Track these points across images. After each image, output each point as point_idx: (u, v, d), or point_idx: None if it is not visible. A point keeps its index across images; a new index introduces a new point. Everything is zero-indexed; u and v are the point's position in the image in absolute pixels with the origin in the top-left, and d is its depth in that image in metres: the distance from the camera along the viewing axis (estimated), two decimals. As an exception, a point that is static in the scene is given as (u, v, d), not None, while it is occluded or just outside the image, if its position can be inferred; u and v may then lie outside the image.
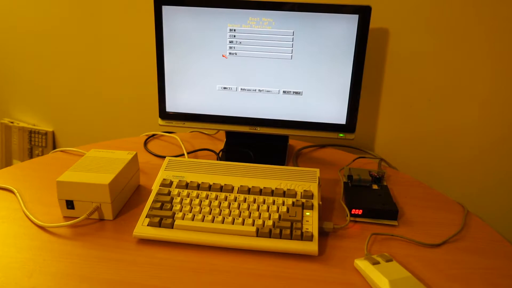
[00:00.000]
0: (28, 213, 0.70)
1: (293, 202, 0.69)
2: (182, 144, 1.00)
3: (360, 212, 0.72)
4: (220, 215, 0.67)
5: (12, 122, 1.45)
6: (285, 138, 0.98)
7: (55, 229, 0.67)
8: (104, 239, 0.65)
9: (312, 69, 0.85)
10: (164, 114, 0.92)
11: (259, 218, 0.67)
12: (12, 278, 0.57)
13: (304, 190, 0.71)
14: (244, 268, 0.61)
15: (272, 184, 0.73)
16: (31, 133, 1.42)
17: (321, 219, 0.73)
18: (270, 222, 0.66)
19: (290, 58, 0.85)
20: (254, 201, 0.70)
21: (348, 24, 0.81)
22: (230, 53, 0.86)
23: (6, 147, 1.49)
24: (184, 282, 0.58)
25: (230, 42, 0.85)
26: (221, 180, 0.74)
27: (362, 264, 0.60)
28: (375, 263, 0.59)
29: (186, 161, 0.78)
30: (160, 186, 0.73)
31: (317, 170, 0.76)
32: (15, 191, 0.77)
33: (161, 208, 0.69)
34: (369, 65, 1.00)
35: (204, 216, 0.67)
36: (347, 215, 0.73)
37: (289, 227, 0.65)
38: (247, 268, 0.61)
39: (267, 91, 0.88)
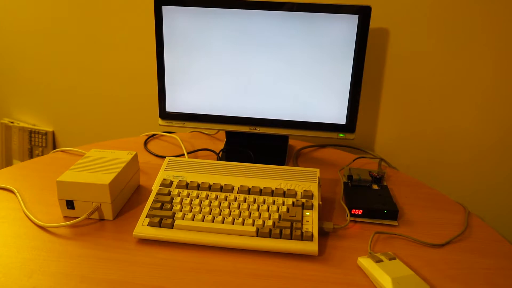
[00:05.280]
0: (28, 213, 0.70)
1: (293, 202, 0.69)
2: (182, 144, 1.00)
3: (360, 212, 0.72)
4: (220, 215, 0.67)
5: (12, 122, 1.45)
6: (285, 138, 0.98)
7: (55, 229, 0.67)
8: (104, 239, 0.65)
9: (312, 69, 0.85)
10: (164, 114, 0.92)
11: (259, 218, 0.67)
12: (12, 278, 0.57)
13: (304, 190, 0.71)
14: (244, 268, 0.61)
15: (272, 184, 0.73)
16: (31, 133, 1.42)
17: (321, 219, 0.73)
18: (270, 222, 0.66)
19: (290, 58, 0.85)
20: (254, 201, 0.70)
21: (348, 24, 0.81)
22: (230, 53, 0.86)
23: (6, 147, 1.49)
24: (184, 282, 0.57)
25: (230, 42, 0.85)
26: (221, 180, 0.74)
27: (365, 262, 0.60)
28: (378, 261, 0.60)
29: (186, 161, 0.78)
30: (160, 186, 0.73)
31: (317, 170, 0.76)
32: (15, 191, 0.77)
33: (161, 208, 0.69)
34: (369, 65, 1.00)
35: (204, 216, 0.67)
36: (347, 215, 0.73)
37: (289, 227, 0.65)
38: (247, 268, 0.61)
39: (267, 91, 0.88)
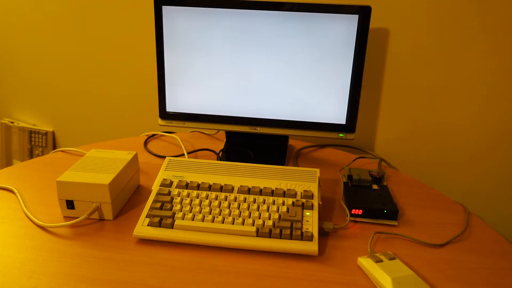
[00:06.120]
0: (28, 213, 0.70)
1: (293, 202, 0.69)
2: (182, 144, 1.00)
3: (360, 212, 0.72)
4: (220, 215, 0.67)
5: (12, 122, 1.45)
6: (285, 138, 0.98)
7: (55, 229, 0.67)
8: (104, 239, 0.65)
9: (312, 69, 0.85)
10: (164, 114, 0.92)
11: (259, 218, 0.67)
12: (12, 278, 0.57)
13: (304, 190, 0.71)
14: (244, 268, 0.61)
15: (272, 184, 0.73)
16: (31, 133, 1.42)
17: (321, 219, 0.73)
18: (270, 222, 0.66)
19: (290, 58, 0.85)
20: (254, 201, 0.70)
21: (348, 24, 0.81)
22: (230, 53, 0.86)
23: (6, 147, 1.49)
24: (184, 282, 0.57)
25: (230, 42, 0.85)
26: (221, 180, 0.74)
27: (365, 262, 0.60)
28: (378, 261, 0.60)
29: (186, 161, 0.78)
30: (160, 186, 0.73)
31: (317, 170, 0.76)
32: (15, 191, 0.77)
33: (161, 208, 0.69)
34: (369, 65, 1.00)
35: (204, 216, 0.67)
36: (347, 215, 0.73)
37: (289, 227, 0.65)
38: (247, 268, 0.61)
39: (267, 91, 0.88)
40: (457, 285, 0.59)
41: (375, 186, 0.79)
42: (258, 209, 0.68)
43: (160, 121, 0.93)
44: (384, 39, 0.97)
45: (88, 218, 0.70)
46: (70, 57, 1.27)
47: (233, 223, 0.66)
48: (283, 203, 0.69)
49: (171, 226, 0.65)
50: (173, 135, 1.06)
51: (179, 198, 0.70)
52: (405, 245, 0.67)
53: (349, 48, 0.83)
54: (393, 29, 0.96)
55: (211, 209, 0.68)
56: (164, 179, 0.74)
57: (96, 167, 0.72)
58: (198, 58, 0.87)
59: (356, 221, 0.73)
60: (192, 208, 0.68)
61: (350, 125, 0.88)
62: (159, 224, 0.66)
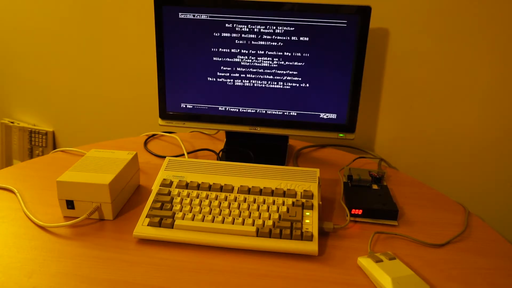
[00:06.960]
0: (28, 213, 0.70)
1: (293, 202, 0.69)
2: (182, 144, 1.00)
3: (360, 212, 0.72)
4: (220, 215, 0.67)
5: (12, 122, 1.45)
6: (285, 138, 0.98)
7: (55, 229, 0.67)
8: (104, 239, 0.65)
9: (312, 69, 0.85)
10: (164, 114, 0.92)
11: (259, 218, 0.67)
12: (12, 278, 0.57)
13: (304, 190, 0.71)
14: (244, 268, 0.61)
15: (272, 184, 0.73)
16: (31, 133, 1.42)
17: (321, 219, 0.73)
18: (270, 222, 0.66)
19: (290, 59, 0.85)
20: (254, 201, 0.70)
21: (348, 24, 0.81)
22: (230, 53, 0.86)
23: (6, 147, 1.49)
24: (184, 282, 0.58)
25: (230, 42, 0.85)
26: (221, 180, 0.74)
27: (365, 262, 0.60)
28: (378, 261, 0.60)
29: (186, 161, 0.78)
30: (160, 186, 0.73)
31: (317, 170, 0.76)
32: (15, 191, 0.77)
33: (161, 208, 0.69)
34: (369, 65, 1.00)
35: (204, 216, 0.67)
36: (347, 215, 0.73)
37: (289, 227, 0.65)
38: (247, 268, 0.61)
39: (267, 91, 0.88)
40: (457, 285, 0.59)
41: (375, 186, 0.79)
42: (258, 209, 0.68)
43: (160, 121, 0.93)
44: (384, 39, 0.97)
45: (88, 218, 0.70)
46: (70, 57, 1.27)
47: (233, 223, 0.66)
48: (283, 203, 0.69)
49: (171, 226, 0.65)
50: (173, 135, 1.06)
51: (179, 198, 0.70)
52: (405, 245, 0.67)
53: (349, 48, 0.83)
54: (393, 29, 0.96)
55: (211, 209, 0.68)
56: (164, 179, 0.74)
57: (96, 167, 0.72)
58: (198, 58, 0.87)
59: (356, 221, 0.73)
60: (192, 208, 0.68)
61: (350, 125, 0.88)
62: (159, 224, 0.66)
